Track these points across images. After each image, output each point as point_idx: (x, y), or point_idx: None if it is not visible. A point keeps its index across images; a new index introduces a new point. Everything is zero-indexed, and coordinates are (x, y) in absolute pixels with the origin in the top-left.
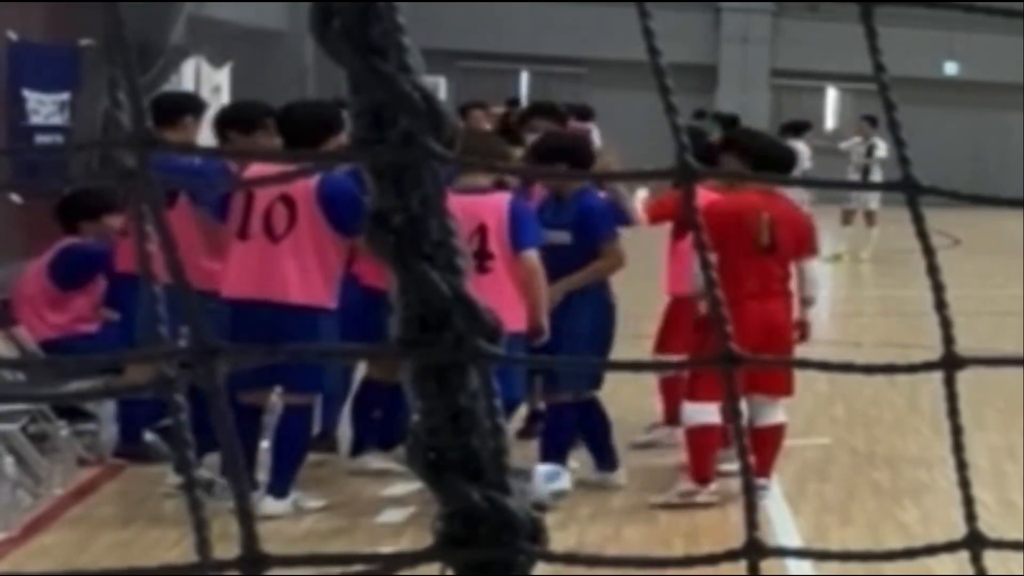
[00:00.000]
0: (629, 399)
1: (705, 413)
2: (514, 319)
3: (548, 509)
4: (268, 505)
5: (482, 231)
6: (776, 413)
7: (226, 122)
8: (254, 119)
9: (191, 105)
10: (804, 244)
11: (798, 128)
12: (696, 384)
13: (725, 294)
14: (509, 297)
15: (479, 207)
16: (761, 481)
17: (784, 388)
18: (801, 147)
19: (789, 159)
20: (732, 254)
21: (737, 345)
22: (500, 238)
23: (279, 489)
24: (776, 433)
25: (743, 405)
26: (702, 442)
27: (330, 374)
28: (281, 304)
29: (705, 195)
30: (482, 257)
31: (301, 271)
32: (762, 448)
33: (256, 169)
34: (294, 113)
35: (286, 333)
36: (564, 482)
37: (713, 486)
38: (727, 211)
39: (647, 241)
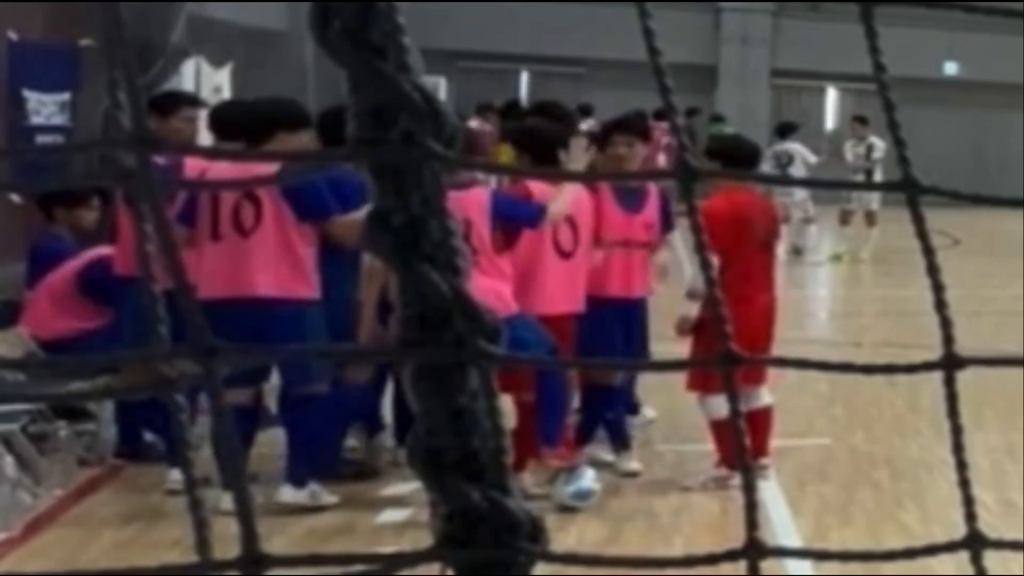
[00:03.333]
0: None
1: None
2: (506, 308)
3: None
4: (286, 494)
5: (467, 226)
6: (763, 396)
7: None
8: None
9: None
10: (779, 233)
11: (783, 130)
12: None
13: (736, 292)
14: (498, 290)
15: (463, 202)
16: (763, 460)
17: (767, 375)
18: (794, 147)
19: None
20: (742, 252)
21: (750, 339)
22: (482, 233)
23: (297, 478)
24: (768, 414)
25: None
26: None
27: (319, 368)
28: (252, 299)
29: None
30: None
31: (267, 264)
32: (757, 430)
33: (220, 168)
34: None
35: (260, 328)
36: (587, 482)
37: None
38: (734, 210)
39: None
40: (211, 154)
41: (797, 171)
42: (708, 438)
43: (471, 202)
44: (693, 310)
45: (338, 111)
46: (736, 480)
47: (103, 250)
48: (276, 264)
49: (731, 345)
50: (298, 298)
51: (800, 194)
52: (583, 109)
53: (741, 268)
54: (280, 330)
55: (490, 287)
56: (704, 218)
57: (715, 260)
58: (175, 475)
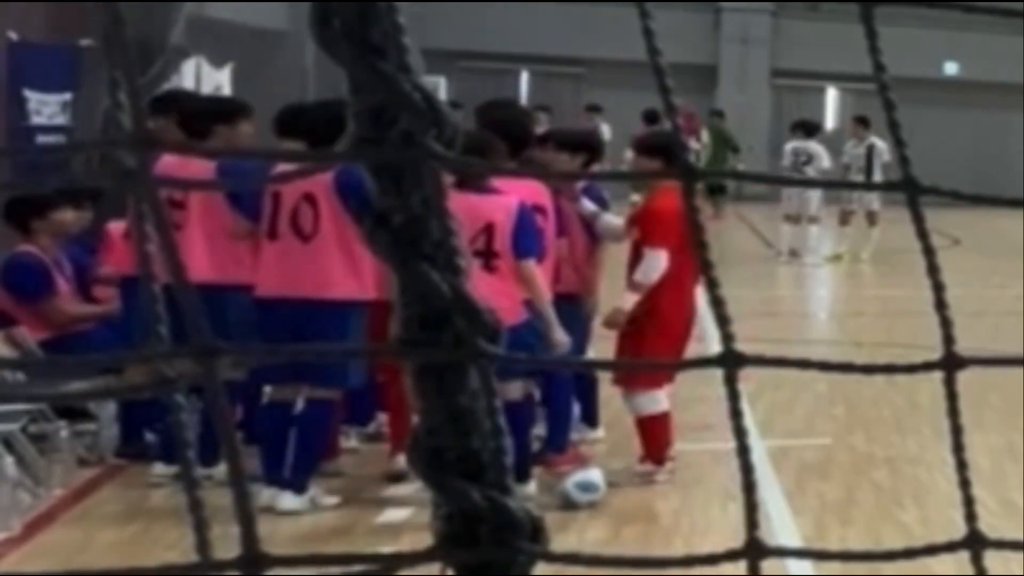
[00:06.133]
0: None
1: (658, 401)
2: (516, 314)
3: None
4: (286, 500)
5: (489, 230)
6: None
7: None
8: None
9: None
10: None
11: (810, 130)
12: (644, 375)
13: (675, 289)
14: (512, 295)
15: (488, 205)
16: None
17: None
18: (816, 148)
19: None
20: (685, 250)
21: (682, 339)
22: (505, 237)
23: (297, 485)
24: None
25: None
26: (658, 428)
27: (355, 368)
28: (315, 300)
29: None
30: (487, 256)
31: (330, 267)
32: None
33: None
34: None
35: (316, 329)
36: (595, 476)
37: (669, 465)
38: (681, 209)
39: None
40: (210, 154)
41: (813, 171)
42: (707, 438)
43: (497, 206)
44: (629, 302)
45: (295, 111)
46: (661, 475)
47: (24, 248)
48: (332, 266)
49: (733, 345)
50: (352, 300)
51: (812, 193)
52: (592, 108)
53: (683, 266)
54: (329, 332)
55: (501, 292)
56: (661, 215)
57: (664, 256)
58: (159, 468)
